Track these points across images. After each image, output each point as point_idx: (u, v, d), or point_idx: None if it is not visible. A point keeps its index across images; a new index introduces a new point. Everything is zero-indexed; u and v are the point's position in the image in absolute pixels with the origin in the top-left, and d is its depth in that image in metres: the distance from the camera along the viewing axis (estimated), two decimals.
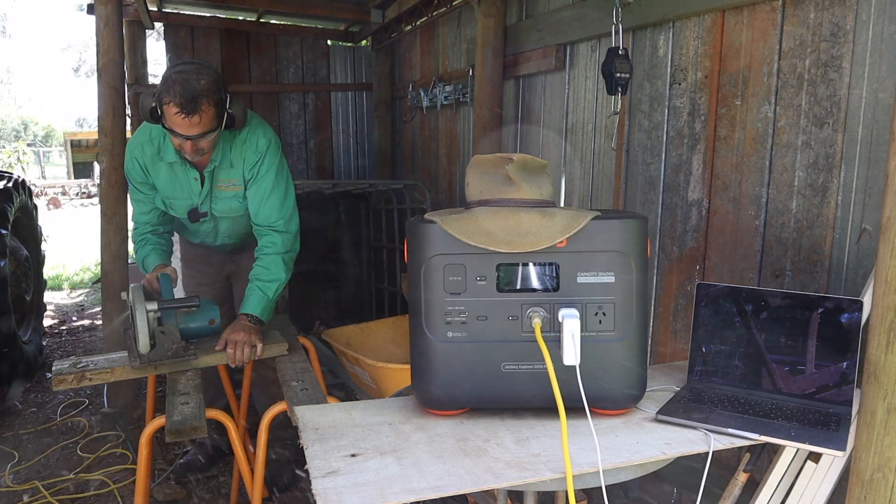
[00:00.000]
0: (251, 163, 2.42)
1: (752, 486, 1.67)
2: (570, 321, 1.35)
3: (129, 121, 3.92)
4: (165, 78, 2.17)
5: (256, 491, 1.98)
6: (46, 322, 5.49)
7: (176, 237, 2.99)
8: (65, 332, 5.64)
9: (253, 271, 2.42)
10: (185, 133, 2.17)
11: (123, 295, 2.31)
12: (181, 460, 3.13)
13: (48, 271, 6.47)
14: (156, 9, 4.99)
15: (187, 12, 5.21)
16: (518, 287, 1.41)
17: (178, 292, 3.02)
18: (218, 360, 2.22)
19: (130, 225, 2.93)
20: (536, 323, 1.38)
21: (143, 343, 2.07)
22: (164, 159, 2.40)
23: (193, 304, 2.21)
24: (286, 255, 2.44)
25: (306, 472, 1.25)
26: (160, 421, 1.80)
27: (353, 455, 1.30)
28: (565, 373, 1.35)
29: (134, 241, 2.59)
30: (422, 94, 4.50)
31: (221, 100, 2.22)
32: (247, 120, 2.39)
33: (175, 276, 2.31)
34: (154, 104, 2.19)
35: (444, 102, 4.21)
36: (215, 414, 1.88)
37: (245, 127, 2.41)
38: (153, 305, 2.11)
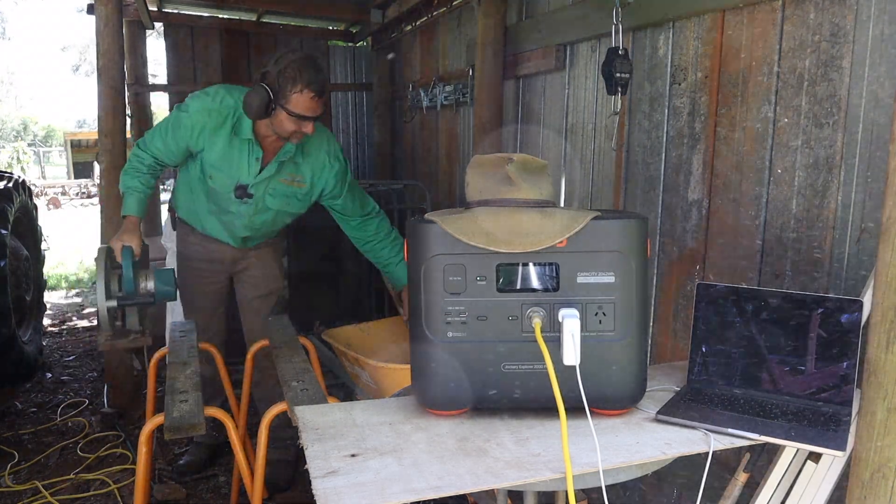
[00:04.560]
0: (333, 168, 2.62)
1: (752, 486, 1.66)
2: (570, 321, 1.35)
3: (129, 121, 3.93)
4: (287, 65, 2.28)
5: (256, 491, 1.98)
6: (46, 322, 5.48)
7: (173, 237, 2.98)
8: (65, 332, 5.63)
9: (389, 253, 2.76)
10: (314, 114, 2.34)
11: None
12: (181, 461, 3.13)
13: (48, 271, 6.47)
14: (156, 9, 4.99)
15: (187, 12, 5.21)
16: (518, 287, 1.41)
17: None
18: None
19: None
20: (536, 323, 1.38)
21: (105, 332, 2.32)
22: (238, 135, 2.47)
23: (149, 301, 2.38)
24: (395, 230, 2.82)
25: (306, 471, 1.25)
26: (159, 419, 1.80)
27: (353, 455, 1.30)
28: (565, 373, 1.35)
29: (128, 161, 2.63)
30: (422, 94, 4.50)
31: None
32: (322, 128, 2.62)
33: (138, 249, 2.39)
34: (270, 98, 2.30)
35: (444, 102, 4.21)
36: (214, 412, 1.88)
37: (325, 134, 2.63)
38: (113, 303, 2.29)
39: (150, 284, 2.37)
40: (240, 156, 2.49)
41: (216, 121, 2.45)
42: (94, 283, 7.48)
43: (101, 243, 3.67)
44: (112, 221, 3.64)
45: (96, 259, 2.32)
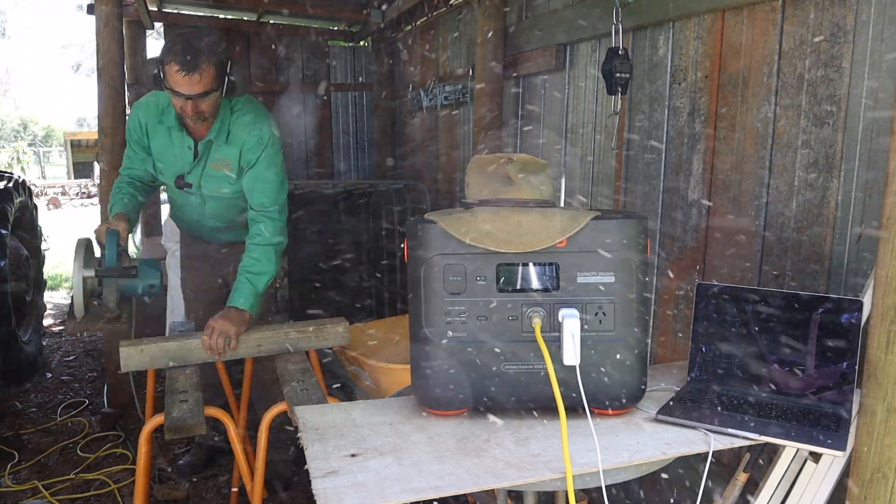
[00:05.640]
0: (250, 146, 2.42)
1: (752, 486, 1.66)
2: (570, 321, 1.35)
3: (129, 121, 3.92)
4: (167, 41, 2.22)
5: (256, 491, 1.98)
6: (46, 322, 5.48)
7: (177, 237, 2.99)
8: (64, 332, 5.63)
9: (243, 262, 2.39)
10: (187, 92, 2.20)
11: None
12: (181, 461, 3.13)
13: (48, 271, 6.46)
14: (156, 9, 4.99)
15: (187, 12, 5.21)
16: (518, 287, 1.41)
17: (176, 292, 3.03)
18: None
19: None
20: (536, 323, 1.38)
21: (78, 308, 2.11)
22: (163, 123, 2.43)
23: (131, 273, 2.19)
24: (276, 246, 2.43)
25: (306, 471, 1.25)
26: (159, 419, 1.80)
27: (353, 455, 1.30)
28: (565, 373, 1.35)
29: (112, 192, 2.58)
30: (422, 94, 4.50)
31: (222, 62, 2.25)
32: (255, 108, 2.44)
33: (125, 234, 2.28)
34: (156, 69, 2.22)
35: (444, 102, 4.21)
36: (214, 411, 1.88)
37: (251, 111, 2.45)
38: (90, 272, 2.11)
39: (134, 267, 2.24)
40: (177, 146, 2.47)
41: (154, 114, 2.44)
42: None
43: None
44: None
45: (76, 243, 2.20)
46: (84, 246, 2.23)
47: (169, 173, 2.53)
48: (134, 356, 2.13)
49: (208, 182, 2.52)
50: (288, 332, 2.33)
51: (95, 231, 2.31)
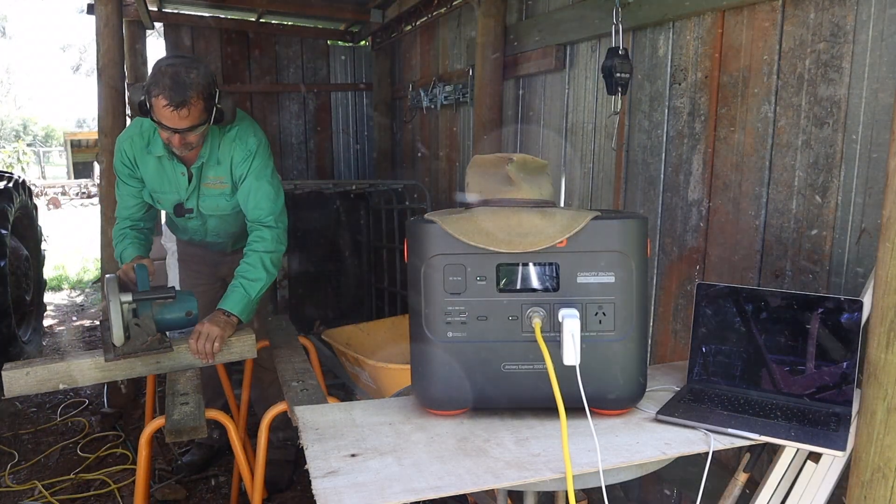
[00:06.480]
0: (240, 159, 2.41)
1: (752, 486, 1.66)
2: (570, 321, 1.35)
3: (128, 121, 3.92)
4: (155, 71, 2.17)
5: (256, 491, 1.98)
6: (46, 322, 5.48)
7: (174, 239, 2.99)
8: (65, 332, 5.63)
9: (239, 268, 2.39)
10: (174, 126, 2.17)
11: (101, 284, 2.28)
12: (181, 461, 3.13)
13: (48, 271, 6.46)
14: (156, 9, 4.99)
15: (187, 12, 5.21)
16: (518, 287, 1.41)
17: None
18: (192, 359, 2.17)
19: None
20: (536, 323, 1.38)
21: (118, 335, 2.03)
22: (152, 153, 2.40)
23: (169, 294, 2.14)
24: (273, 254, 2.42)
25: (306, 471, 1.25)
26: (160, 421, 1.80)
27: (353, 455, 1.30)
28: (565, 373, 1.35)
29: (114, 237, 2.57)
30: (422, 94, 4.50)
31: (211, 94, 2.22)
32: (236, 117, 2.38)
33: (153, 269, 2.26)
34: (143, 97, 2.18)
35: (444, 102, 4.21)
36: (215, 414, 1.88)
37: (235, 125, 2.41)
38: (128, 297, 2.06)
39: (172, 288, 2.21)
40: (170, 174, 2.44)
41: (139, 144, 2.41)
42: (95, 281, 7.41)
43: (102, 243, 3.67)
44: (112, 222, 3.62)
45: (106, 280, 2.13)
46: (115, 279, 2.13)
47: (167, 202, 2.52)
48: (20, 379, 1.99)
49: (206, 202, 2.51)
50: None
51: (121, 271, 2.28)
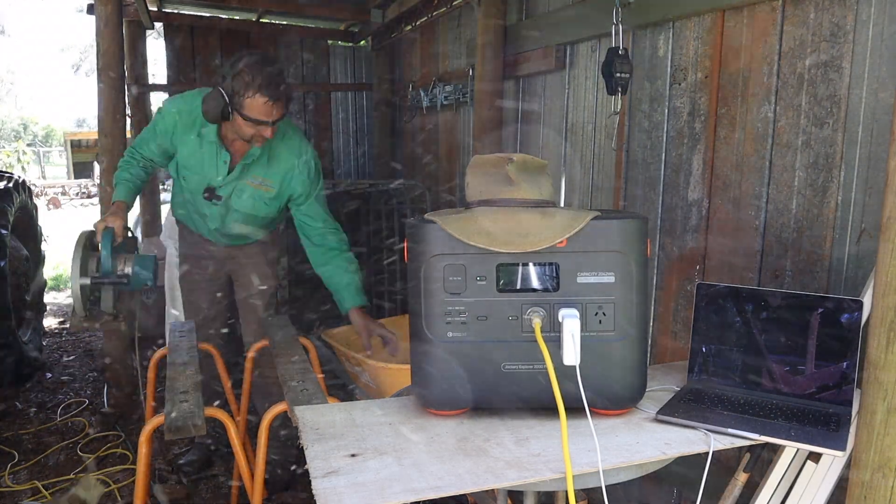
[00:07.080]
0: (301, 180, 2.56)
1: (752, 486, 1.66)
2: (570, 321, 1.35)
3: (129, 121, 3.93)
4: (238, 72, 2.26)
5: (256, 491, 1.98)
6: (46, 322, 5.48)
7: (174, 236, 2.99)
8: (65, 332, 5.63)
9: (338, 268, 2.59)
10: (271, 119, 2.31)
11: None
12: (181, 460, 3.13)
13: (48, 271, 6.47)
14: (156, 9, 4.99)
15: (187, 12, 5.21)
16: (518, 287, 1.41)
17: (177, 292, 3.03)
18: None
19: None
20: (536, 323, 1.38)
21: (78, 310, 2.33)
22: (204, 137, 2.46)
23: (123, 282, 2.35)
24: (350, 251, 2.68)
25: (306, 471, 1.25)
26: (159, 419, 1.80)
27: (353, 455, 1.30)
28: (565, 373, 1.35)
29: (122, 159, 2.65)
30: (422, 94, 4.50)
31: (289, 85, 2.40)
32: (289, 126, 2.57)
33: (120, 232, 2.38)
34: (225, 103, 2.28)
35: (444, 102, 4.21)
36: (215, 413, 1.88)
37: (293, 136, 2.58)
38: (86, 280, 2.30)
39: (129, 268, 2.38)
40: (209, 158, 2.49)
41: (186, 122, 2.46)
42: None
43: None
44: None
45: (76, 241, 2.34)
46: (83, 245, 2.30)
47: (193, 181, 2.55)
48: None
49: (241, 196, 2.56)
50: None
51: (94, 226, 2.38)
